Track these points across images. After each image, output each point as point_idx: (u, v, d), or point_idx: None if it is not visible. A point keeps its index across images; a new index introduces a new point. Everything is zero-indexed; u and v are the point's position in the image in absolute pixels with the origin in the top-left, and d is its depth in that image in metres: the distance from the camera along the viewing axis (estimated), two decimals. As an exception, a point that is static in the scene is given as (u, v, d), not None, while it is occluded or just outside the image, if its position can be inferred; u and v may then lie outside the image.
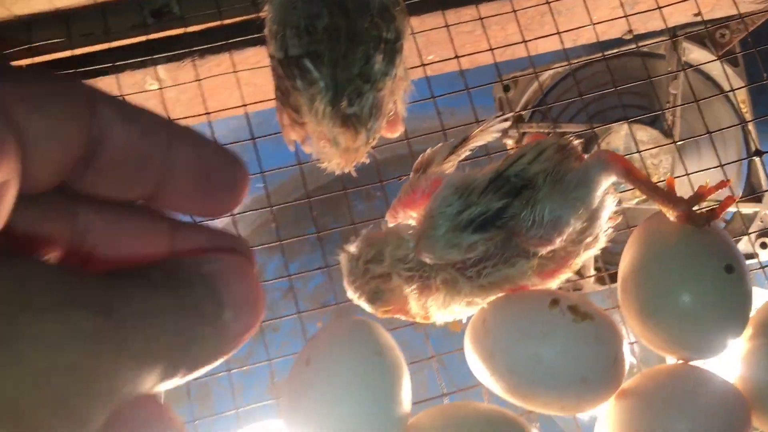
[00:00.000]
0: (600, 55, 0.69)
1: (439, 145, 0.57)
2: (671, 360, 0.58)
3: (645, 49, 0.89)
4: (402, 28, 0.54)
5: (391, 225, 0.57)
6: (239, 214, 0.72)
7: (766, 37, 0.71)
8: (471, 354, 0.55)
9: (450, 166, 0.57)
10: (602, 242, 0.54)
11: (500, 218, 0.50)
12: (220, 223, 1.29)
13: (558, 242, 0.51)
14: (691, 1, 0.67)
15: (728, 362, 0.58)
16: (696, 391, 0.53)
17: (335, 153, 0.55)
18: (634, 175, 0.52)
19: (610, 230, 0.54)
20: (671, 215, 0.53)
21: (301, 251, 1.31)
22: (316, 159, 0.64)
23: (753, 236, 0.86)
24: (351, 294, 0.56)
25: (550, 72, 0.90)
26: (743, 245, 0.87)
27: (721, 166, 0.63)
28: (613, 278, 0.63)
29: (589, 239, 0.53)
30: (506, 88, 0.91)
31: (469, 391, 0.62)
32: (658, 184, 0.55)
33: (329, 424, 0.50)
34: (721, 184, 0.53)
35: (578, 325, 0.52)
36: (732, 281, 0.52)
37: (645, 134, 0.88)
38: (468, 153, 0.58)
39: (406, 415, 0.53)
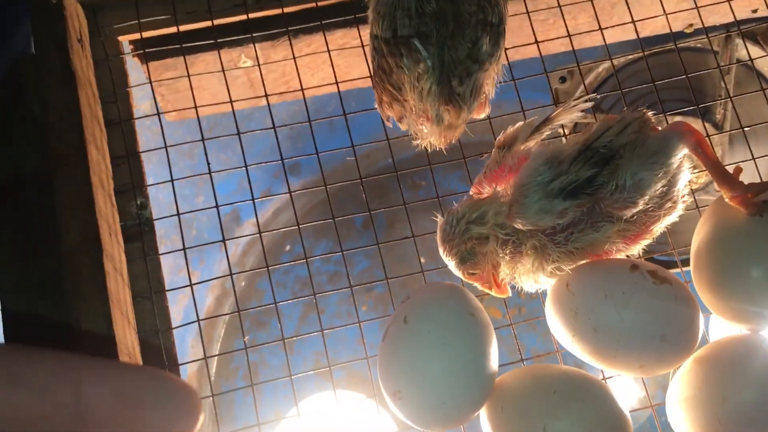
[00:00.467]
0: (664, 47, 0.72)
1: (521, 123, 0.61)
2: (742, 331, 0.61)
3: (699, 46, 0.93)
4: (504, 11, 0.58)
5: (475, 197, 0.60)
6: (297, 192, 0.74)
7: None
8: (553, 317, 0.59)
9: (533, 144, 0.61)
10: (680, 209, 0.58)
11: (590, 186, 0.54)
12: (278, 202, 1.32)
13: (641, 204, 0.55)
14: (754, -5, 0.71)
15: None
16: (765, 361, 0.56)
17: (434, 131, 0.59)
18: (704, 149, 0.56)
19: (687, 199, 0.58)
20: (727, 196, 0.57)
21: (347, 237, 1.35)
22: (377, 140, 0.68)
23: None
24: (443, 252, 0.59)
25: (606, 65, 0.94)
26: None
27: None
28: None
29: (668, 204, 0.57)
30: (562, 80, 0.95)
31: (545, 357, 0.66)
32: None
33: (427, 378, 0.54)
34: None
35: (658, 287, 0.56)
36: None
37: (696, 127, 0.91)
38: (549, 132, 0.61)
39: (494, 372, 0.56)
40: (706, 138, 0.58)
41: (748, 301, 0.56)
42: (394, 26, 0.56)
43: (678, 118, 0.94)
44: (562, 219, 0.55)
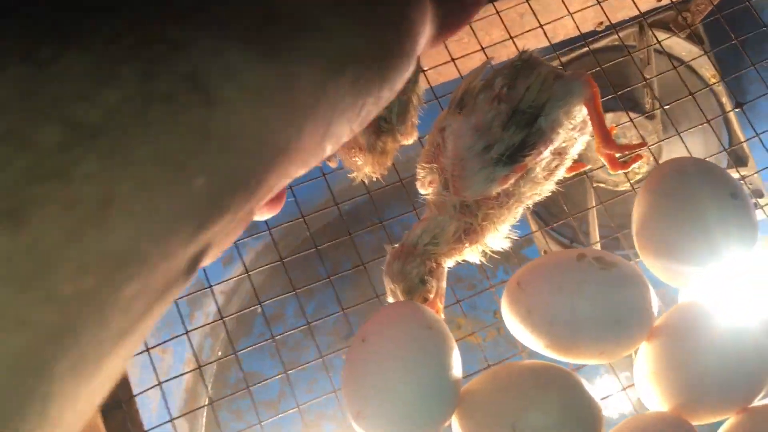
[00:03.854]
0: (574, 47, 0.75)
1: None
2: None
3: (617, 43, 0.96)
4: None
5: (423, 192, 0.63)
6: (255, 270, 0.74)
7: (729, 13, 0.78)
8: (509, 316, 0.59)
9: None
10: (590, 127, 0.61)
11: (524, 147, 0.56)
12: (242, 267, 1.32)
13: (556, 141, 0.58)
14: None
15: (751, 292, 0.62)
16: (721, 324, 0.56)
17: (368, 160, 0.60)
18: (595, 102, 0.60)
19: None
20: (600, 151, 0.62)
21: (315, 289, 1.34)
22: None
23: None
24: (392, 282, 0.60)
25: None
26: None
27: (682, 132, 0.68)
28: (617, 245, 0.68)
29: (577, 132, 0.61)
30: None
31: (511, 359, 0.65)
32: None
33: (388, 394, 0.53)
34: (640, 144, 0.64)
35: (606, 272, 0.56)
36: (737, 207, 0.57)
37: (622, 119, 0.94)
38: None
39: (458, 381, 0.56)
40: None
41: (694, 260, 0.58)
42: None
43: (609, 115, 0.96)
44: (507, 184, 0.57)
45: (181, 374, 0.73)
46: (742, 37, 0.73)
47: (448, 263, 0.63)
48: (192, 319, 1.18)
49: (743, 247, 0.57)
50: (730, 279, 0.58)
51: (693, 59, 0.84)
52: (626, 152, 0.63)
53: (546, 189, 0.62)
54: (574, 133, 0.61)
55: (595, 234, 0.93)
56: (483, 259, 0.62)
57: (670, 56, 0.91)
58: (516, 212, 0.62)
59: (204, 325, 0.83)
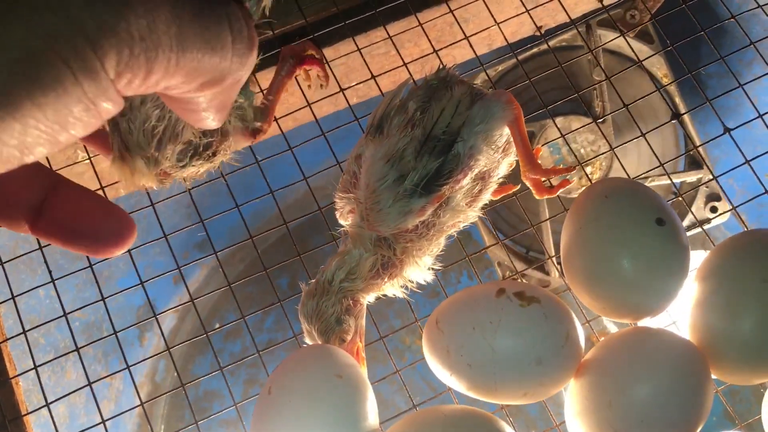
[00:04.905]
0: (510, 54, 0.71)
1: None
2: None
3: (565, 44, 0.92)
4: None
5: (344, 224, 0.59)
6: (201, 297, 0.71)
7: (676, 12, 0.73)
8: (429, 356, 0.56)
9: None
10: (513, 151, 0.58)
11: (440, 176, 0.52)
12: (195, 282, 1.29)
13: (476, 168, 0.54)
14: (588, -13, 0.69)
15: (681, 318, 0.58)
16: (651, 353, 0.53)
17: None
18: (519, 125, 0.56)
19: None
20: (525, 175, 0.59)
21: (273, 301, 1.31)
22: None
23: (701, 202, 0.87)
24: (308, 322, 0.57)
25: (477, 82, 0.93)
26: (695, 213, 0.88)
27: (643, 135, 0.65)
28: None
29: (501, 154, 0.57)
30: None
31: (437, 398, 0.62)
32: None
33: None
34: (569, 169, 0.59)
35: (526, 308, 0.53)
36: (664, 233, 0.53)
37: (579, 123, 0.90)
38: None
39: (372, 430, 0.53)
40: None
41: (621, 292, 0.54)
42: None
43: (559, 119, 0.92)
44: (424, 216, 0.53)
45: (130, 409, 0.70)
46: (680, 42, 0.69)
47: (368, 299, 0.59)
48: (143, 341, 1.15)
49: (671, 276, 0.54)
50: (660, 309, 0.55)
51: (644, 59, 0.79)
52: (551, 176, 0.59)
53: (470, 216, 0.59)
54: (497, 155, 0.57)
55: (549, 242, 0.90)
56: (412, 289, 0.59)
57: (626, 57, 0.87)
58: (438, 242, 0.58)
59: (150, 357, 0.80)
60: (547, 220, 0.68)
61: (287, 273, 1.24)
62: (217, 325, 1.27)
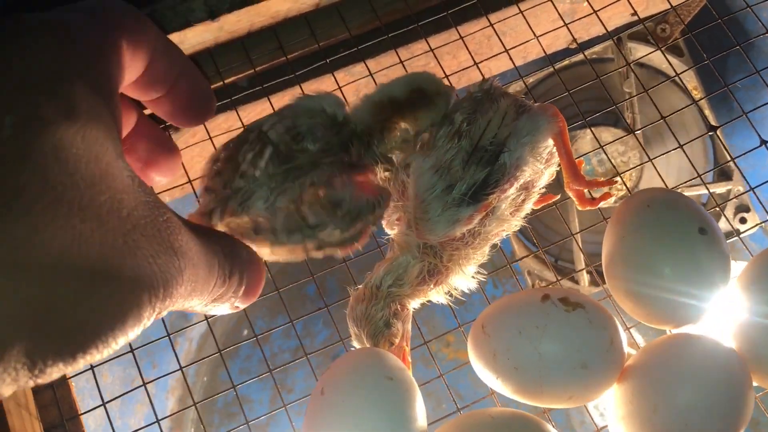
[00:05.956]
0: (550, 67, 0.73)
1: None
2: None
3: (595, 56, 0.94)
4: None
5: (389, 232, 0.61)
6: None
7: (705, 24, 0.75)
8: (475, 360, 0.57)
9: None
10: (556, 159, 0.59)
11: (487, 186, 0.54)
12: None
13: (521, 178, 0.56)
14: (624, 1, 0.71)
15: (723, 326, 0.60)
16: (695, 360, 0.54)
17: None
18: (563, 137, 0.58)
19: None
20: (568, 186, 0.60)
21: (302, 309, 1.33)
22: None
23: (731, 213, 0.88)
24: (356, 329, 0.59)
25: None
26: (723, 224, 0.90)
27: (681, 146, 0.66)
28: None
29: (544, 164, 0.59)
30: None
31: (480, 402, 0.64)
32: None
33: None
34: (611, 182, 0.61)
35: (570, 314, 0.54)
36: (707, 242, 0.54)
37: (610, 135, 0.92)
38: None
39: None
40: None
41: (664, 300, 0.56)
42: None
43: (588, 131, 0.94)
44: (472, 224, 0.55)
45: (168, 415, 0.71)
46: (717, 56, 0.70)
47: (414, 304, 0.61)
48: (176, 345, 1.17)
49: (714, 283, 0.55)
50: (703, 315, 0.56)
51: (675, 75, 0.81)
52: (594, 188, 0.61)
53: (514, 225, 0.60)
54: (541, 166, 0.59)
55: (579, 253, 0.91)
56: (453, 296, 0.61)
57: (658, 71, 0.89)
58: (483, 251, 0.60)
59: (196, 361, 0.81)
60: (584, 230, 0.70)
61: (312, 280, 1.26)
62: (245, 332, 1.28)
